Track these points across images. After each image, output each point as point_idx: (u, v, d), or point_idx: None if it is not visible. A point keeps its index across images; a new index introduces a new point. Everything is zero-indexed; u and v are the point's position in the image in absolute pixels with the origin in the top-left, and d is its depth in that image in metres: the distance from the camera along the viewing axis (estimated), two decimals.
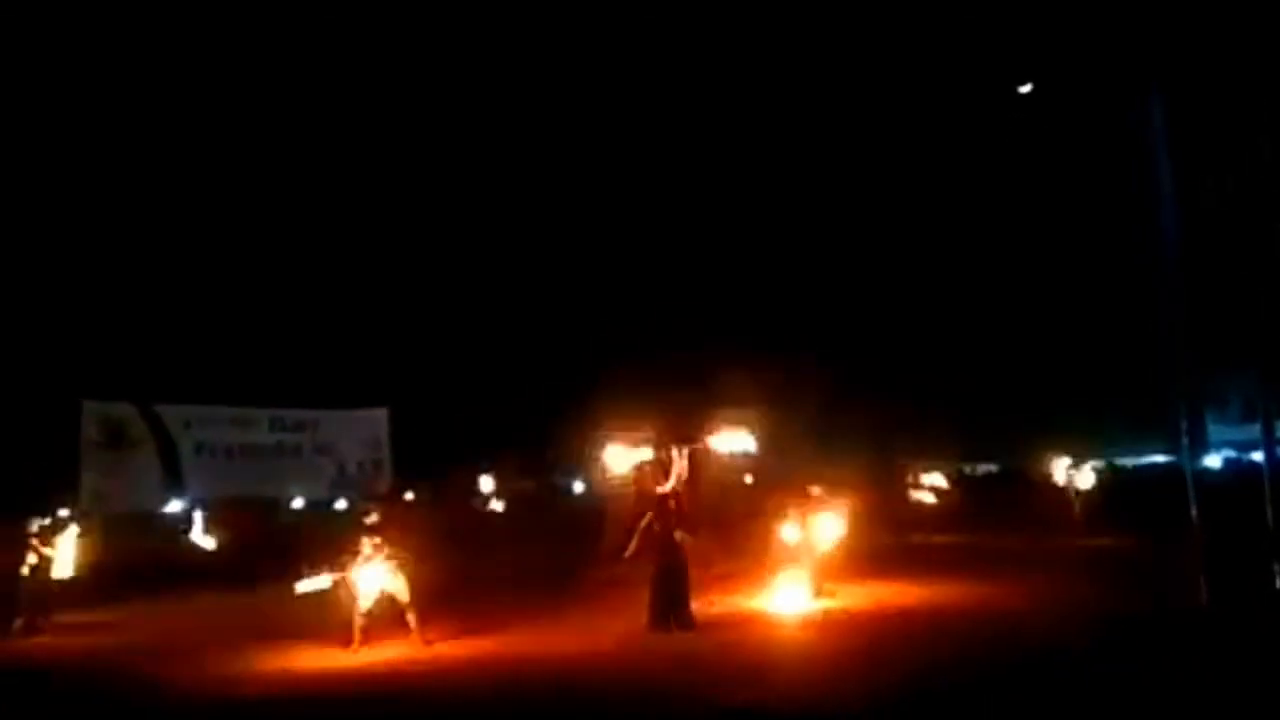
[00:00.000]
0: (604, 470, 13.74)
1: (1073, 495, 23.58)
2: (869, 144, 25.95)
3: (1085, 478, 24.10)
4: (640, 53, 24.53)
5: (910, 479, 27.32)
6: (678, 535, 12.31)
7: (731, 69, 25.17)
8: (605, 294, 25.46)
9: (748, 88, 25.36)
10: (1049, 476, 24.77)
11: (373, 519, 12.39)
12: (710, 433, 13.94)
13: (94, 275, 23.28)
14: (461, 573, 18.69)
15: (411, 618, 11.90)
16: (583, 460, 14.37)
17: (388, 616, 11.94)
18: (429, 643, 11.74)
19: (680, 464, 12.86)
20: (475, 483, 26.36)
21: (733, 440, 14.08)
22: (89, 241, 23.42)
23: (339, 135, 25.55)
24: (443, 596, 14.20)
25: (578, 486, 31.13)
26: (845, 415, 25.68)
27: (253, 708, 9.28)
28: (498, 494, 26.72)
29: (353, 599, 11.78)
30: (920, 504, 26.25)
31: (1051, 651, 9.35)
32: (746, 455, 14.51)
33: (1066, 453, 25.34)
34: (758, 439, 14.39)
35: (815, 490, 14.13)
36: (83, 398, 20.28)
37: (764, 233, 27.17)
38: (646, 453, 13.14)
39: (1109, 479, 24.99)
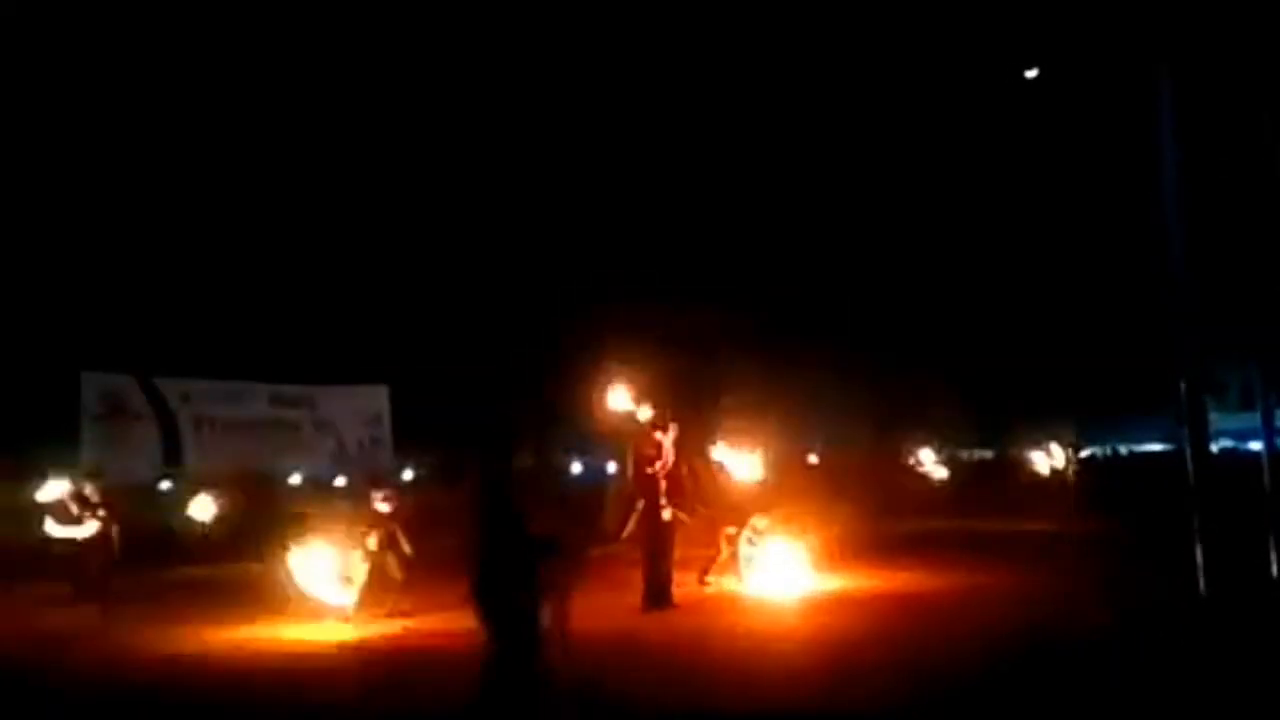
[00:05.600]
0: (606, 411, 13.15)
1: (1069, 480, 23.67)
2: (874, 125, 25.91)
3: (1078, 462, 24.21)
4: (630, 35, 24.44)
5: (912, 460, 27.29)
6: (666, 515, 12.38)
7: (733, 51, 25.09)
8: (604, 274, 25.43)
9: (749, 73, 25.30)
10: (1044, 462, 24.85)
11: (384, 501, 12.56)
12: (717, 440, 14.00)
13: (93, 246, 23.24)
14: (456, 549, 18.73)
15: (393, 593, 12.05)
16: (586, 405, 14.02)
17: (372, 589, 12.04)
18: (403, 615, 11.84)
19: (670, 445, 12.85)
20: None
21: (736, 458, 14.11)
22: (89, 214, 23.38)
23: (334, 111, 25.47)
24: (435, 573, 14.28)
25: (576, 467, 31.23)
26: (845, 397, 25.77)
27: (248, 685, 9.29)
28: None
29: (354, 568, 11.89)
30: (928, 478, 26.14)
31: (1049, 641, 9.37)
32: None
33: (1062, 439, 25.41)
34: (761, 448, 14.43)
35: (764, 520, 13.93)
36: (82, 369, 20.30)
37: (768, 215, 27.16)
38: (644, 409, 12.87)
39: (1106, 464, 25.10)
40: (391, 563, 12.33)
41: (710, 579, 13.74)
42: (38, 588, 14.28)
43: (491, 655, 6.35)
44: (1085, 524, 19.10)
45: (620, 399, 12.75)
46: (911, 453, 27.57)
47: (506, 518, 6.57)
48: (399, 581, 12.31)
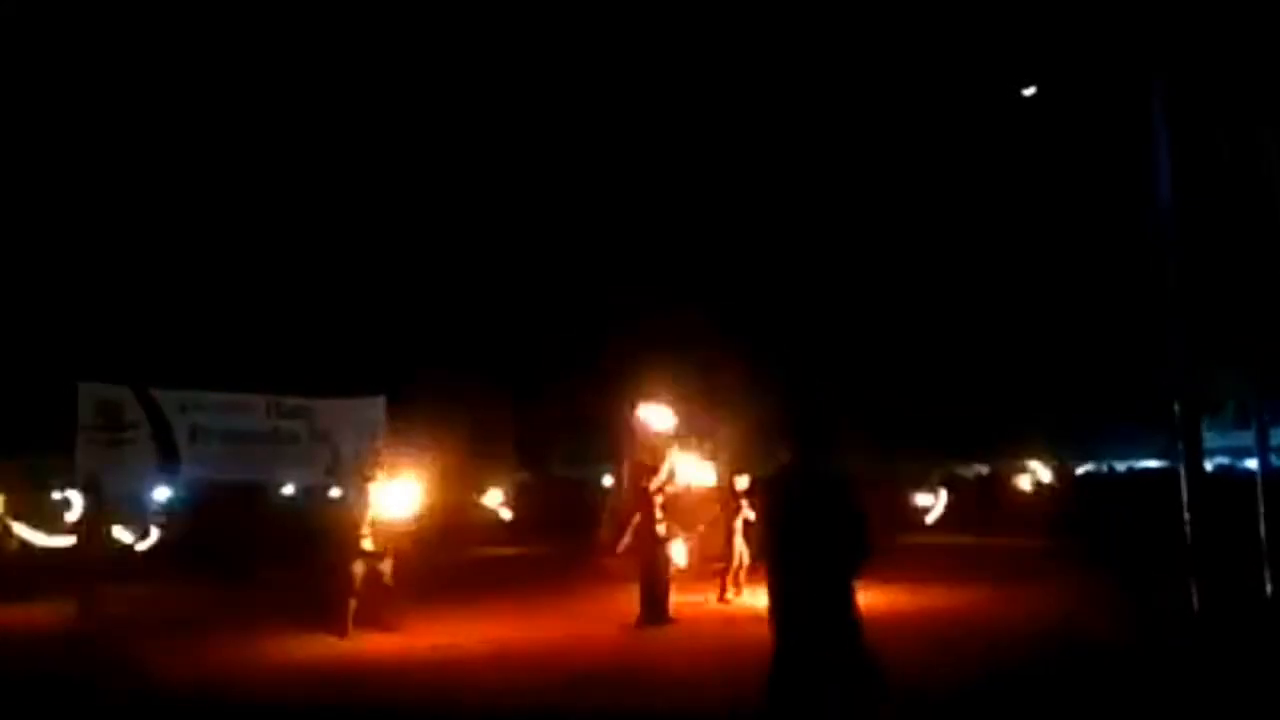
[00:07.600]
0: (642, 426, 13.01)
1: (1058, 496, 23.61)
2: (871, 143, 25.98)
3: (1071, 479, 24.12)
4: (627, 48, 24.51)
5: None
6: (661, 531, 12.39)
7: (727, 69, 25.18)
8: (598, 284, 25.44)
9: (745, 90, 25.38)
10: (1037, 479, 24.77)
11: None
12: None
13: (91, 257, 23.25)
14: (451, 560, 18.75)
15: (387, 601, 12.03)
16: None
17: (368, 601, 12.02)
18: (394, 629, 11.84)
19: (670, 462, 12.85)
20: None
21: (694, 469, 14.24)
22: (87, 224, 23.40)
23: (334, 121, 25.53)
24: (434, 585, 14.29)
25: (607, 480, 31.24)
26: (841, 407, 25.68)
27: (254, 703, 9.25)
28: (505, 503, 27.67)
29: (348, 579, 11.89)
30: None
31: (1043, 658, 9.35)
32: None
33: (1056, 456, 25.36)
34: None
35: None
36: (78, 379, 20.21)
37: (766, 226, 27.22)
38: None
39: (1102, 482, 25.02)
40: (387, 568, 12.31)
41: (729, 595, 13.83)
42: None
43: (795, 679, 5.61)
44: (1075, 541, 19.06)
45: (659, 417, 12.87)
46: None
47: (829, 520, 5.72)
48: (392, 590, 12.30)
